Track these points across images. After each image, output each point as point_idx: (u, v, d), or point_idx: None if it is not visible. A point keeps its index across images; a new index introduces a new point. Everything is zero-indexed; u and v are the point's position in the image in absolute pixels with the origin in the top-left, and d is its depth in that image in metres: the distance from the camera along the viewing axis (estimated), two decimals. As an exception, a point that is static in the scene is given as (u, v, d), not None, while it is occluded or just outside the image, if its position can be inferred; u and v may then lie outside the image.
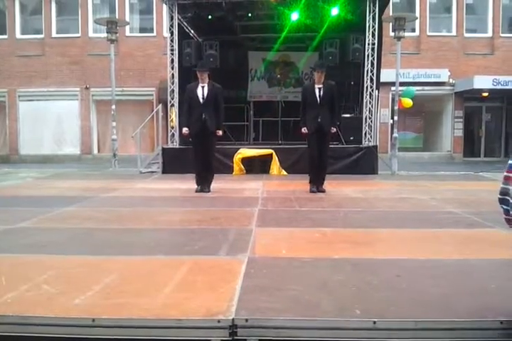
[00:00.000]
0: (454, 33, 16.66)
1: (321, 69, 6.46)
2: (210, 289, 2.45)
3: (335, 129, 6.63)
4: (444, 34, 16.82)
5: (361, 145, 9.71)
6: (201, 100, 6.31)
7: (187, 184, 7.47)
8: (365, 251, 3.36)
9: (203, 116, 6.31)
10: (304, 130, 6.54)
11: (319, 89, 6.39)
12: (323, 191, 6.49)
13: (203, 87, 6.32)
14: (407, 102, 12.35)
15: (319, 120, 6.39)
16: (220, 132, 6.51)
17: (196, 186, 6.64)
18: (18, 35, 17.33)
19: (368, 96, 9.84)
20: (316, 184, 6.57)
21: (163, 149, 10.17)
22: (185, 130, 6.50)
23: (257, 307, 2.18)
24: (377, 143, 10.30)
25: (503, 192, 1.93)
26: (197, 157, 6.59)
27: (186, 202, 5.93)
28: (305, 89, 6.83)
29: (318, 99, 6.39)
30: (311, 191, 6.51)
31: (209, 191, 6.54)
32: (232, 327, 2.02)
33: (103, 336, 2.03)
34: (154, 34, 16.91)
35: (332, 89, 6.47)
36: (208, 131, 6.37)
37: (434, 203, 5.67)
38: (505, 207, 1.93)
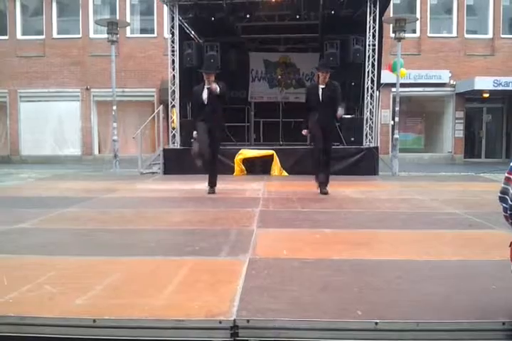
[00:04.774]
0: (454, 34, 16.64)
1: (325, 69, 6.47)
2: (211, 290, 2.45)
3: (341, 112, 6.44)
4: (444, 35, 16.80)
5: (362, 146, 9.69)
6: (205, 101, 6.36)
7: (188, 185, 7.48)
8: (366, 252, 3.35)
9: (208, 115, 6.33)
10: (305, 132, 6.62)
11: (323, 89, 6.40)
12: (327, 193, 6.45)
13: (208, 88, 6.36)
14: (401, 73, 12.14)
15: (321, 119, 6.38)
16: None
17: (209, 188, 6.60)
18: (19, 35, 17.35)
19: (368, 97, 9.83)
20: (321, 185, 6.53)
21: (164, 150, 10.19)
22: (194, 134, 6.51)
23: (258, 308, 2.17)
24: (378, 144, 10.28)
25: (503, 192, 2.04)
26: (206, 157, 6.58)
27: (187, 203, 5.92)
28: (309, 89, 6.85)
29: (320, 98, 6.39)
30: (322, 192, 6.45)
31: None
32: (234, 328, 2.02)
33: (104, 336, 2.03)
34: (155, 35, 16.92)
35: (335, 89, 6.46)
36: (212, 130, 6.38)
37: (435, 204, 5.66)
38: (504, 204, 2.04)
